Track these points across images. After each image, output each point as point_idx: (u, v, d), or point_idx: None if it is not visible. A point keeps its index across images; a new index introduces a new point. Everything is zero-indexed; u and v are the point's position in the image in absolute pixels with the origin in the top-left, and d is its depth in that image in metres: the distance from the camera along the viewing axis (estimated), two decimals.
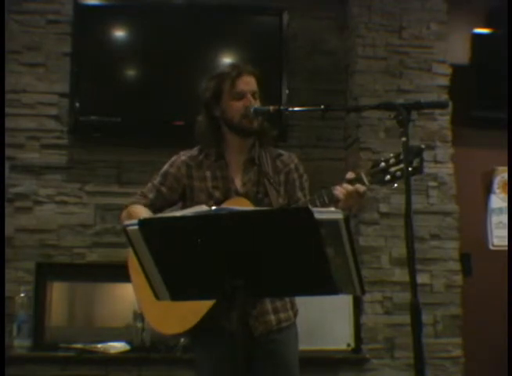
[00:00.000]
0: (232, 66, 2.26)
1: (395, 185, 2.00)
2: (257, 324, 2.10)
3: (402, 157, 1.90)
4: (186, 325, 2.05)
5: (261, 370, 2.10)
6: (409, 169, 1.85)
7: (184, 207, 2.24)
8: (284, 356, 2.16)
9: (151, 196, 2.23)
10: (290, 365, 2.17)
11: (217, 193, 2.18)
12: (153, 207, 2.22)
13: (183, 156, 2.27)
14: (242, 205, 2.10)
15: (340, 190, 1.99)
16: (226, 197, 2.17)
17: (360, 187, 1.98)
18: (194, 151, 2.28)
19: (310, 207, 1.48)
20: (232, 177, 2.21)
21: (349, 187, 1.98)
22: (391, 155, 1.99)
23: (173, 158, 2.29)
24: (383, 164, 1.99)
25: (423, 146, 1.94)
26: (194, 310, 2.01)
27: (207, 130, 2.25)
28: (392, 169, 1.97)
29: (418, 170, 1.91)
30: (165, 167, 2.27)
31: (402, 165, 1.93)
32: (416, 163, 1.90)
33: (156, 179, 2.26)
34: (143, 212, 2.16)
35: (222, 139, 2.25)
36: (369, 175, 2.00)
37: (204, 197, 2.18)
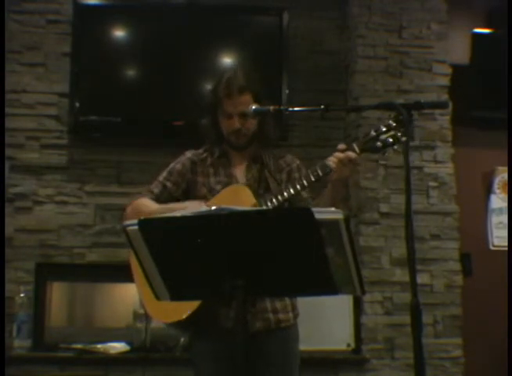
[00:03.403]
0: (226, 81, 2.21)
1: (386, 154, 2.04)
2: (255, 320, 2.10)
3: (392, 124, 1.95)
4: (183, 314, 2.05)
5: (261, 369, 2.10)
6: (399, 134, 1.93)
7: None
8: (283, 356, 2.16)
9: (156, 191, 2.27)
10: (289, 364, 2.18)
11: (218, 187, 2.22)
12: (159, 202, 2.25)
13: (189, 153, 2.34)
14: (242, 193, 2.15)
15: (331, 159, 2.03)
16: None
17: (351, 154, 2.01)
18: (200, 150, 2.35)
19: (310, 207, 1.48)
20: (234, 173, 2.26)
21: (340, 155, 2.01)
22: (381, 125, 2.02)
23: (180, 157, 2.35)
24: (373, 133, 2.02)
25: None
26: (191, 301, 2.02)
27: (210, 132, 2.30)
28: (383, 137, 2.00)
29: (407, 133, 1.92)
30: (171, 164, 2.33)
31: (392, 132, 1.97)
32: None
33: (162, 176, 2.31)
34: (150, 204, 2.20)
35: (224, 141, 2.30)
36: (361, 144, 2.04)
37: (205, 191, 2.23)
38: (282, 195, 2.09)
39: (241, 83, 2.19)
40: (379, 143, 2.00)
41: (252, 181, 2.24)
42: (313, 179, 2.06)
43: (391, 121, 1.97)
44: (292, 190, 2.08)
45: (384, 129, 2.00)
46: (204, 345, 2.16)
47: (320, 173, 2.05)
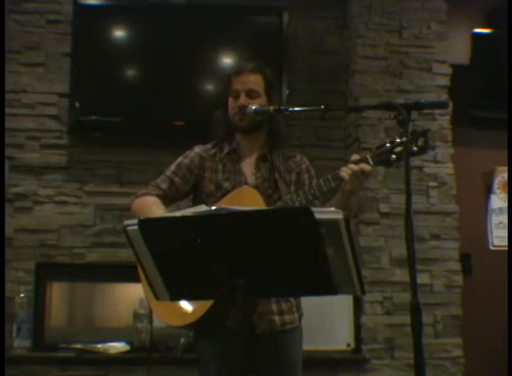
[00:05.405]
0: (238, 64, 2.32)
1: (400, 166, 2.01)
2: (261, 322, 2.11)
3: (408, 136, 1.89)
4: (191, 318, 2.05)
5: (264, 370, 2.10)
6: (414, 148, 1.91)
7: (195, 198, 2.28)
8: (287, 358, 2.17)
9: (164, 186, 2.24)
10: (292, 367, 2.17)
11: (226, 184, 2.20)
12: (166, 198, 2.23)
13: (197, 149, 2.30)
14: (250, 195, 2.13)
15: (345, 171, 2.01)
16: (235, 188, 2.19)
17: (365, 166, 2.00)
18: (209, 145, 2.31)
19: (310, 207, 1.48)
20: (243, 171, 2.24)
21: (354, 167, 2.00)
22: (396, 136, 2.00)
23: (187, 151, 2.31)
24: (388, 144, 2.01)
25: (427, 128, 1.97)
26: (199, 304, 2.02)
27: (221, 125, 2.28)
28: (397, 149, 1.99)
29: (423, 149, 1.94)
30: (179, 158, 2.30)
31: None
32: (420, 142, 1.94)
33: (170, 170, 2.27)
34: (154, 206, 2.16)
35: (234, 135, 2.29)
36: (375, 156, 2.02)
37: (213, 188, 2.21)
38: (293, 204, 2.07)
39: (253, 64, 2.23)
40: (393, 156, 1.99)
41: (261, 180, 2.22)
42: (325, 190, 2.05)
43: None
44: (304, 200, 2.06)
45: (399, 141, 1.98)
46: (209, 346, 2.15)
47: (333, 184, 2.03)
